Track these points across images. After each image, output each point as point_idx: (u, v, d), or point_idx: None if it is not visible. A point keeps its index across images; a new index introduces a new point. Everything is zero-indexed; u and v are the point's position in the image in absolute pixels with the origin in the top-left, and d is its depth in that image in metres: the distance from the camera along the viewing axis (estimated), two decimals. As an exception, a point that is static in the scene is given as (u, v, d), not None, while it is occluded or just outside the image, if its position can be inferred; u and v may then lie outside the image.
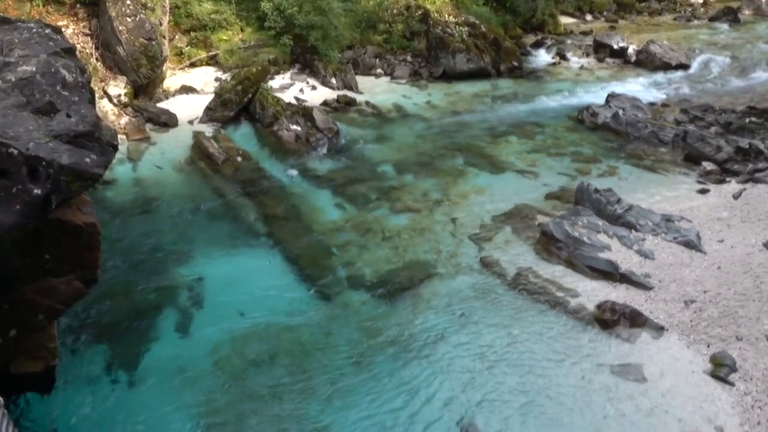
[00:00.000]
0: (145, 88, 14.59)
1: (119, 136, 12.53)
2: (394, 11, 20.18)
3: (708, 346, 7.12)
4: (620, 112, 14.22)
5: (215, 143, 12.72)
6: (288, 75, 17.44)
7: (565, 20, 26.28)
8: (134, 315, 7.85)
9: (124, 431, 6.14)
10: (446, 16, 19.54)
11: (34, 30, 5.90)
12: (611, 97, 15.38)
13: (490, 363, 7.04)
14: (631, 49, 20.54)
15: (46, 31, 5.95)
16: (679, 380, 6.71)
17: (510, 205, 10.51)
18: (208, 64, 17.12)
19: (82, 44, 14.13)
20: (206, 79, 16.33)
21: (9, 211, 4.35)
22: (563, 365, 6.98)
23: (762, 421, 6.13)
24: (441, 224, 10.04)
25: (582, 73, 19.43)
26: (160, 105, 14.62)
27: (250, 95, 14.33)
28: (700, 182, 11.19)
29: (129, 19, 14.14)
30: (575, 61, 20.81)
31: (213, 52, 17.18)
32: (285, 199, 10.93)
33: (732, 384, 6.58)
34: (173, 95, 15.38)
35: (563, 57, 21.11)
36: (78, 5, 14.69)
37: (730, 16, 26.75)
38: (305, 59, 17.75)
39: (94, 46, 14.33)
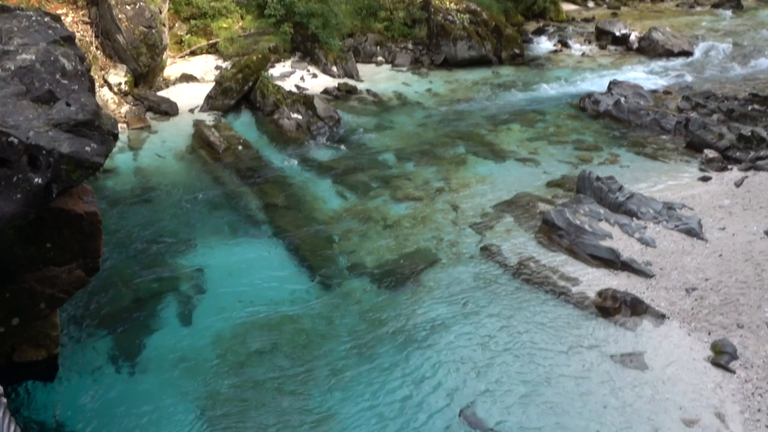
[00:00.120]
0: (145, 76, 14.55)
1: (120, 124, 12.56)
2: (395, -2, 20.10)
3: (709, 334, 7.13)
4: (622, 99, 14.17)
5: (216, 132, 12.69)
6: (288, 63, 17.38)
7: (566, 7, 26.15)
8: (136, 304, 7.87)
9: (126, 419, 6.17)
10: (447, 3, 19.43)
11: (33, 18, 5.88)
12: (613, 84, 15.33)
13: (491, 351, 7.05)
14: (633, 36, 20.45)
15: (45, 20, 5.93)
16: (680, 368, 6.72)
17: (511, 194, 10.50)
18: (208, 53, 17.07)
19: (81, 32, 14.08)
20: (206, 68, 16.28)
21: (10, 200, 4.35)
22: (564, 353, 6.99)
23: (763, 408, 6.15)
24: (442, 213, 10.03)
25: (584, 61, 19.35)
26: (160, 94, 14.60)
27: (250, 84, 14.29)
28: (701, 170, 11.17)
29: (128, 7, 14.07)
30: (577, 48, 20.72)
31: (213, 41, 17.11)
32: (286, 187, 10.93)
33: (733, 371, 6.60)
34: (173, 84, 15.34)
35: (565, 44, 21.02)
36: (77, -7, 14.63)
37: (733, 2, 26.63)
38: (306, 47, 17.68)
39: (93, 35, 14.28)
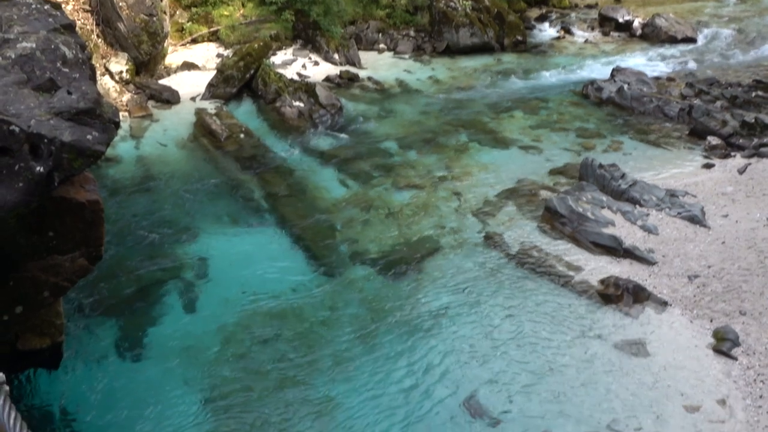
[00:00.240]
0: (146, 64, 14.51)
1: (121, 113, 12.52)
2: (397, -15, 19.96)
3: (711, 321, 7.13)
4: (625, 86, 14.10)
5: (218, 120, 12.67)
6: (290, 51, 17.31)
7: (569, -7, 25.93)
8: (139, 293, 7.89)
9: (129, 407, 6.20)
10: (449, -11, 19.29)
11: (33, 6, 5.85)
12: (616, 71, 15.24)
13: (493, 339, 7.06)
14: (636, 23, 20.30)
15: (45, 7, 5.90)
16: (682, 355, 6.73)
17: (514, 181, 10.48)
18: (209, 40, 17.00)
19: (82, 20, 14.02)
20: (208, 56, 16.23)
21: (12, 189, 4.35)
22: (566, 340, 7.00)
23: (764, 394, 6.16)
24: (444, 200, 10.02)
25: (587, 47, 19.23)
26: (162, 82, 14.57)
27: (252, 71, 14.23)
28: (705, 157, 11.12)
29: (129, -5, 14.00)
30: (580, 35, 20.57)
31: (214, 28, 17.03)
32: (288, 175, 10.92)
33: (735, 358, 6.60)
34: (175, 72, 15.30)
35: (568, 31, 20.87)
36: (77, -19, 14.56)
37: (738, -12, 26.36)
38: (307, 35, 17.60)
39: (94, 23, 14.22)
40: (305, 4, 17.27)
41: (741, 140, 11.51)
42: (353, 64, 16.91)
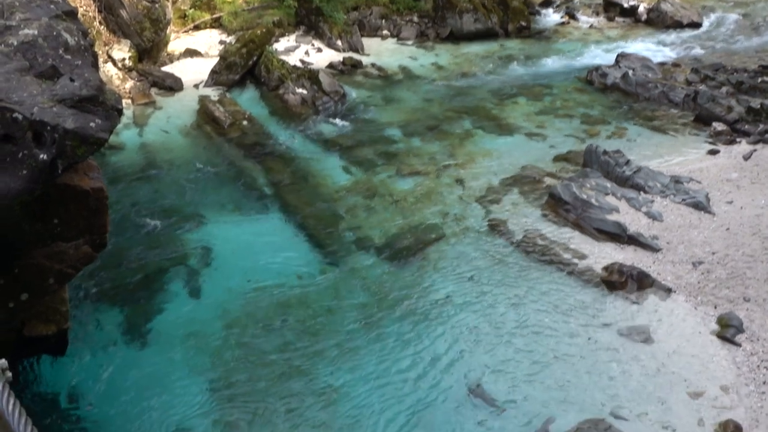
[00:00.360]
0: (149, 51, 14.46)
1: (124, 100, 12.51)
2: (401, -29, 19.81)
3: (715, 308, 7.13)
4: (630, 72, 14.01)
5: (221, 107, 12.64)
6: (293, 37, 17.22)
7: (574, -22, 25.72)
8: (144, 280, 7.91)
9: (135, 394, 6.24)
10: (453, -25, 19.13)
11: (35, -8, 5.82)
12: (621, 56, 15.13)
13: (497, 325, 7.07)
14: (641, 8, 20.13)
15: (47, -6, 5.87)
16: (686, 341, 6.73)
17: (518, 168, 10.44)
18: (212, 27, 16.92)
19: (84, 7, 13.96)
20: (210, 42, 16.17)
21: (16, 177, 4.35)
22: (570, 327, 7.01)
23: (768, 381, 6.17)
24: (448, 187, 10.00)
25: (591, 33, 19.09)
26: (164, 69, 14.52)
27: (255, 58, 14.19)
28: (710, 143, 11.06)
29: (131, -19, 13.94)
30: (584, 20, 20.41)
31: (217, 15, 16.96)
32: (291, 162, 10.90)
33: (738, 345, 6.60)
34: (178, 59, 15.24)
35: (572, 16, 20.71)
36: (79, -33, 14.48)
37: (744, -28, 26.14)
38: (310, 21, 17.51)
39: (96, 9, 14.15)
40: (308, -10, 17.18)
41: (746, 126, 11.44)
42: (356, 51, 16.82)
